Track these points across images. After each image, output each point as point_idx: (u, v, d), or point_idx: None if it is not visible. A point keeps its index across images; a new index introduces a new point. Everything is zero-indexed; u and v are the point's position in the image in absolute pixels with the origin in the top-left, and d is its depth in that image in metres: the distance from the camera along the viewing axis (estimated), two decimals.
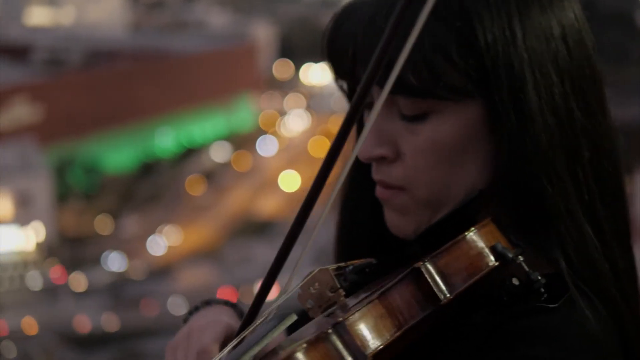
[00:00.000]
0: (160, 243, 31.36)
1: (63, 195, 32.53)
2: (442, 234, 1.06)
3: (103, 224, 32.62)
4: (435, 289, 0.99)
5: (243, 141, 38.21)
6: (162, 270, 29.40)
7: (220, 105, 37.67)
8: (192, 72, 36.30)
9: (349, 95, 1.16)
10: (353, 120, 0.93)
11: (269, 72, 41.56)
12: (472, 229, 1.04)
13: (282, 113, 40.78)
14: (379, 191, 1.11)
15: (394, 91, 1.01)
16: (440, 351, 1.04)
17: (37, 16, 39.57)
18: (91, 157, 34.12)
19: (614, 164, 1.11)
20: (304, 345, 0.90)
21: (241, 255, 29.76)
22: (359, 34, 1.08)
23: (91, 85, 34.55)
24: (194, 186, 35.22)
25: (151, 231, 31.88)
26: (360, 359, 0.93)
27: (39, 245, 29.85)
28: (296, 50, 40.55)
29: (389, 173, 1.10)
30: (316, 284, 1.06)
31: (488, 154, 1.08)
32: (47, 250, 29.82)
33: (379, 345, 0.96)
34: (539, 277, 1.01)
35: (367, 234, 1.18)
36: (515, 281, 1.02)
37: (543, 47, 1.07)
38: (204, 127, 37.45)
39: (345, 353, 0.92)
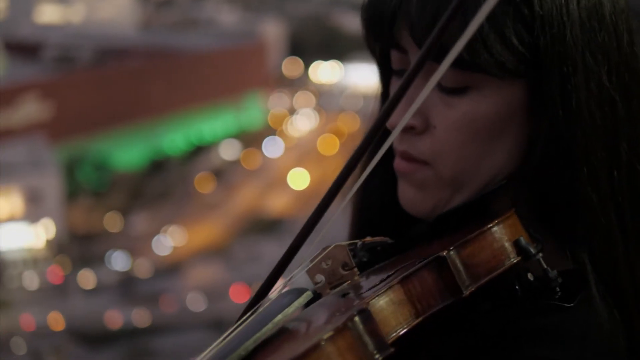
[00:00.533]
0: (167, 241, 31.39)
1: (73, 192, 32.59)
2: (460, 219, 1.02)
3: (112, 222, 32.67)
4: (458, 280, 0.96)
5: (252, 139, 38.20)
6: (172, 268, 29.43)
7: (229, 103, 37.66)
8: (201, 70, 36.32)
9: (380, 60, 1.11)
10: (403, 93, 0.89)
11: (278, 70, 41.53)
12: (497, 220, 1.00)
13: (292, 111, 40.75)
14: (399, 163, 1.07)
15: (439, 59, 0.95)
16: (448, 338, 1.01)
17: (48, 14, 39.63)
18: (101, 155, 34.16)
19: None
20: (330, 333, 0.85)
21: (250, 253, 29.77)
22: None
23: (101, 83, 34.59)
24: (204, 184, 35.25)
25: (160, 229, 31.91)
26: (383, 348, 0.88)
27: (48, 242, 29.91)
28: (306, 48, 40.51)
29: (414, 145, 1.05)
30: (329, 260, 1.03)
31: (523, 140, 1.04)
32: (57, 248, 29.88)
33: (397, 333, 0.93)
34: (557, 275, 0.99)
35: (379, 211, 1.14)
36: (530, 276, 1.00)
37: (597, 35, 1.03)
38: (214, 125, 37.45)
39: (368, 341, 0.87)
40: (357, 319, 0.87)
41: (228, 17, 41.20)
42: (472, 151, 1.04)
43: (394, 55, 1.07)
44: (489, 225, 0.99)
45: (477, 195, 1.05)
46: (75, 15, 39.97)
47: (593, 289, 1.01)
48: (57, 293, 27.47)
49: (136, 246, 30.71)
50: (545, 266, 0.99)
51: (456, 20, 0.87)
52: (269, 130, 39.26)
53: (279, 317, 0.94)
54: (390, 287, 0.94)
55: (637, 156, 1.06)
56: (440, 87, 1.03)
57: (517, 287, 1.00)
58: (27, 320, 25.77)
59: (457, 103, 1.03)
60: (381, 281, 0.96)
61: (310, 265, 1.03)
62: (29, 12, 38.83)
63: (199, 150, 36.90)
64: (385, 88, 1.16)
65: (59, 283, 28.30)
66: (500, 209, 1.02)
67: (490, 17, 0.98)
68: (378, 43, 1.09)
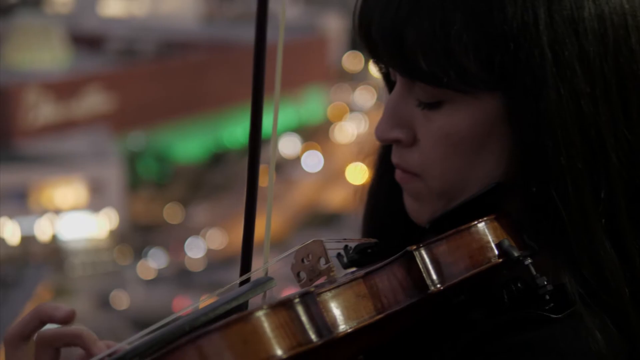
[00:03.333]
0: (221, 235, 31.61)
1: (134, 183, 33.02)
2: (456, 222, 1.00)
3: (173, 213, 33.03)
4: (425, 277, 0.93)
5: (312, 133, 38.26)
6: (229, 260, 29.66)
7: (290, 96, 37.78)
8: None
9: (385, 70, 1.10)
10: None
11: (338, 64, 41.51)
12: (480, 220, 0.98)
13: (351, 105, 40.72)
14: (398, 174, 1.07)
15: (406, 75, 1.01)
16: (433, 346, 1.00)
17: (112, 7, 40.18)
18: (162, 147, 34.55)
19: None
20: (265, 308, 0.85)
21: None
22: (375, 12, 1.01)
23: (163, 76, 34.97)
24: (263, 177, 35.40)
25: (220, 220, 32.17)
26: (325, 335, 0.87)
27: (111, 232, 30.37)
28: None
29: (404, 157, 1.05)
30: (309, 256, 1.02)
31: (506, 151, 1.01)
32: (119, 237, 30.33)
33: (353, 326, 0.90)
34: (545, 283, 0.95)
35: (389, 217, 1.13)
36: (520, 284, 0.97)
37: (571, 41, 0.96)
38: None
39: (308, 326, 0.87)
40: (297, 300, 0.87)
41: (290, 11, 41.30)
42: (457, 163, 1.02)
43: (390, 69, 1.08)
44: (467, 225, 0.97)
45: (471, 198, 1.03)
46: (139, 8, 40.46)
47: (577, 304, 0.95)
48: (117, 282, 27.87)
49: (209, 232, 30.96)
50: (534, 273, 0.96)
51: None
52: (329, 124, 39.26)
53: (238, 299, 0.94)
54: (354, 279, 0.93)
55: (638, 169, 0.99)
56: (419, 102, 1.03)
57: (504, 293, 0.97)
58: (89, 307, 26.19)
59: (435, 117, 1.02)
60: (350, 275, 0.95)
61: (293, 262, 1.04)
62: (94, 6, 39.41)
63: None
64: None
65: (119, 272, 28.70)
66: (495, 214, 1.00)
67: (450, 32, 0.97)
68: (372, 58, 1.08)
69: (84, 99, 33.21)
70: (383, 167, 1.14)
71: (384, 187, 1.14)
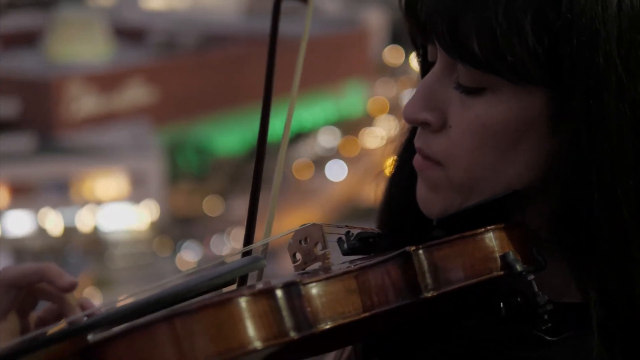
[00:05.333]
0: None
1: (174, 176, 33.22)
2: (465, 224, 0.94)
3: (212, 205, 33.19)
4: (419, 280, 0.89)
5: (352, 126, 38.22)
6: (267, 252, 29.72)
7: (329, 90, 37.76)
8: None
9: (422, 52, 1.05)
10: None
11: (379, 58, 41.42)
12: (487, 229, 0.93)
13: (392, 99, 40.61)
14: (416, 160, 1.00)
15: (454, 56, 0.94)
16: (423, 345, 0.96)
17: (154, 1, 40.42)
18: (202, 139, 34.71)
19: None
20: (246, 295, 0.82)
21: None
22: None
23: (204, 69, 35.12)
24: (302, 170, 35.45)
25: (259, 212, 32.22)
26: (305, 329, 0.83)
27: (151, 224, 30.59)
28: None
29: (429, 143, 0.98)
30: (307, 239, 0.99)
31: (543, 154, 0.94)
32: (159, 229, 30.54)
33: (337, 322, 0.86)
34: (546, 302, 0.90)
35: (405, 208, 1.07)
36: (520, 299, 0.91)
37: (637, 50, 0.89)
38: (314, 112, 37.61)
39: (287, 318, 0.83)
40: (280, 290, 0.84)
41: (331, 5, 41.25)
42: (486, 158, 0.95)
43: (430, 47, 1.02)
44: (473, 232, 0.93)
45: (485, 202, 0.96)
46: (180, 2, 40.65)
47: (595, 330, 0.89)
48: (157, 273, 28.07)
49: (235, 230, 31.10)
50: (536, 290, 0.91)
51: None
52: (369, 119, 39.20)
53: (223, 277, 0.90)
54: (345, 273, 0.89)
55: None
56: (458, 85, 0.96)
57: (503, 306, 0.92)
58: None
59: (472, 105, 0.95)
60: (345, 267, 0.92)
61: (290, 242, 1.00)
62: None
63: (298, 137, 37.12)
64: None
65: (159, 264, 28.90)
66: (507, 222, 0.95)
67: (509, 15, 0.89)
68: (415, 33, 1.03)
69: (126, 92, 33.46)
70: (405, 156, 1.07)
71: (404, 176, 1.07)
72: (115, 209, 30.24)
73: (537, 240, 0.96)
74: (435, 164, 0.99)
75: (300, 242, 1.01)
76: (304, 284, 0.86)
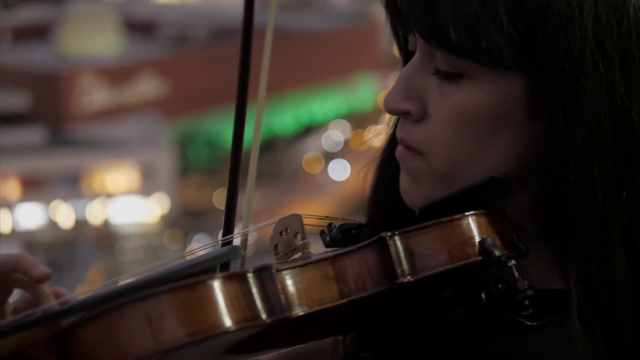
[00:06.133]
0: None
1: (185, 169, 33.27)
2: (446, 212, 0.94)
3: (222, 198, 33.19)
4: (396, 266, 0.89)
5: (362, 120, 38.20)
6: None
7: (340, 84, 37.73)
8: (313, 51, 36.47)
9: (403, 43, 1.06)
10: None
11: (390, 51, 41.35)
12: (465, 214, 0.93)
13: None
14: (399, 150, 1.01)
15: (432, 43, 0.95)
16: (409, 337, 0.96)
17: None
18: (213, 132, 34.75)
19: None
20: (217, 277, 0.83)
21: None
22: None
23: (215, 62, 35.13)
24: (312, 164, 35.45)
25: (269, 206, 32.30)
26: (277, 313, 0.84)
27: (162, 217, 30.65)
28: None
29: (411, 133, 0.99)
30: (287, 230, 1.00)
31: (523, 140, 0.95)
32: (169, 222, 30.59)
33: (313, 308, 0.87)
34: (526, 288, 0.91)
35: (390, 199, 1.06)
36: (501, 285, 0.92)
37: (613, 30, 0.90)
38: (324, 106, 37.60)
39: (259, 301, 0.83)
40: (251, 274, 0.85)
41: None
42: (466, 145, 0.96)
43: (410, 37, 1.03)
44: (450, 217, 0.93)
45: (463, 189, 0.97)
46: None
47: (574, 315, 0.90)
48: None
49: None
50: (516, 276, 0.91)
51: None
52: (379, 112, 39.14)
53: (201, 265, 0.90)
54: (321, 260, 0.90)
55: None
56: (437, 71, 0.97)
57: (482, 294, 0.93)
58: None
59: (451, 92, 0.96)
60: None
61: (272, 234, 1.01)
62: None
63: (308, 131, 37.11)
64: None
65: (170, 257, 28.92)
66: (486, 208, 0.95)
67: (490, 4, 0.91)
68: (395, 24, 1.03)
69: (137, 85, 33.50)
70: (389, 149, 1.08)
71: (390, 169, 1.07)
72: (126, 201, 30.30)
73: (518, 228, 0.96)
74: (417, 154, 0.99)
75: (281, 233, 1.02)
76: (278, 270, 0.86)
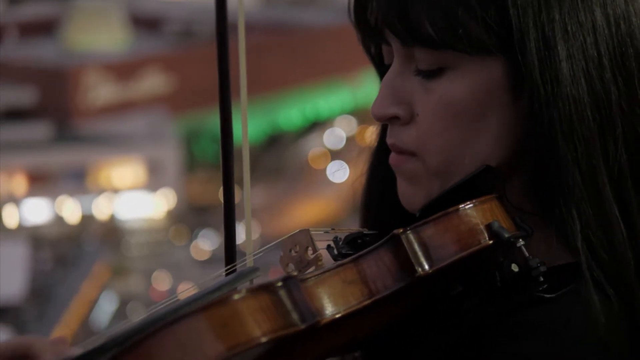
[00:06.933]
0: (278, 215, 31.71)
1: (191, 164, 33.31)
2: (446, 207, 0.96)
3: None
4: (413, 260, 0.91)
5: (368, 116, 38.20)
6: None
7: (346, 79, 37.74)
8: (319, 46, 36.47)
9: (377, 58, 1.09)
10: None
11: None
12: (469, 203, 0.95)
13: None
14: (392, 157, 1.03)
15: (409, 42, 0.98)
16: (435, 334, 0.97)
17: None
18: (219, 128, 34.76)
19: None
20: (245, 291, 0.84)
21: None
22: None
23: None
24: (318, 159, 35.47)
25: (275, 202, 32.31)
26: (309, 319, 0.86)
27: (168, 212, 30.69)
28: None
29: (400, 136, 1.01)
30: (297, 246, 1.01)
31: (510, 123, 0.98)
32: (175, 217, 30.64)
33: (340, 311, 0.89)
34: (539, 264, 0.93)
35: (384, 209, 1.09)
36: (514, 267, 0.94)
37: (582, 6, 0.95)
38: (330, 101, 37.61)
39: (291, 309, 0.85)
40: (280, 284, 0.86)
41: None
42: (455, 137, 0.98)
43: (385, 50, 1.06)
44: (455, 207, 0.95)
45: (460, 182, 0.99)
46: None
47: (588, 281, 0.92)
48: (173, 262, 28.17)
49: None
50: (527, 255, 0.94)
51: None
52: None
53: (222, 289, 0.91)
54: (340, 266, 0.92)
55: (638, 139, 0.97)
56: (418, 71, 1.00)
57: (497, 277, 0.95)
58: (144, 287, 26.52)
59: (435, 87, 0.99)
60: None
61: (281, 254, 1.02)
62: None
63: (314, 126, 37.13)
64: None
65: (175, 252, 29.00)
66: (484, 195, 0.97)
67: None
68: (368, 39, 1.07)
69: (143, 80, 33.54)
70: (376, 160, 1.11)
71: (377, 179, 1.10)
72: (132, 197, 30.35)
73: (518, 210, 0.98)
74: (410, 156, 1.01)
75: (290, 251, 1.02)
76: (302, 280, 0.88)
